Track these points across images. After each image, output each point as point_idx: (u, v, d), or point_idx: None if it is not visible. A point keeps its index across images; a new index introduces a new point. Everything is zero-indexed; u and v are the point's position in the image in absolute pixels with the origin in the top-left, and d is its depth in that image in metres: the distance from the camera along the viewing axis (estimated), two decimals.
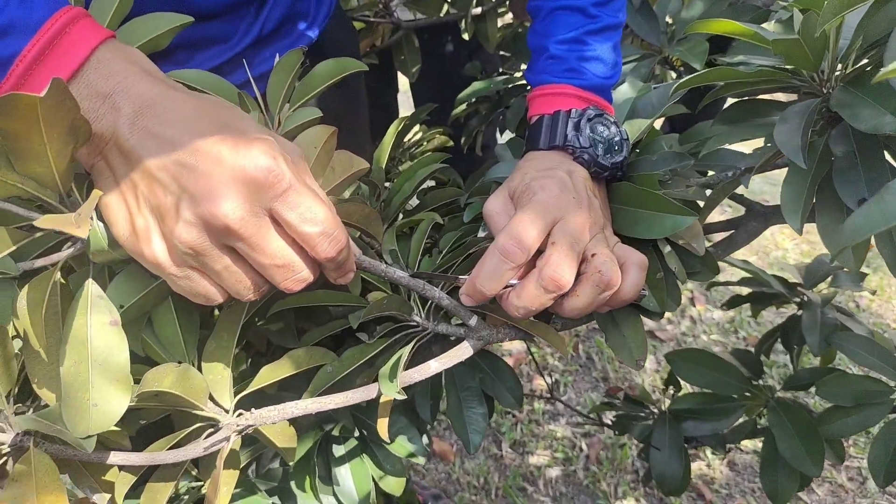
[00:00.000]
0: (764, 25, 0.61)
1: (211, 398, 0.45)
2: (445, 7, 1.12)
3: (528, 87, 0.67)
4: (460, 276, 0.50)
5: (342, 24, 0.86)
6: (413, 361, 0.51)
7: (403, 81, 1.41)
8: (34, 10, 0.38)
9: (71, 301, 0.41)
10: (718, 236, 0.71)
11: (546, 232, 0.48)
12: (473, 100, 1.11)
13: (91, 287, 0.40)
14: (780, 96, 0.65)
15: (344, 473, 0.63)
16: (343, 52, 0.84)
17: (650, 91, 0.65)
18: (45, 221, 0.34)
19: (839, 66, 0.52)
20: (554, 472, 1.55)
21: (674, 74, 0.97)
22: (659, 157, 0.61)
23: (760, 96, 0.61)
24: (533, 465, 1.56)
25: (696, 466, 1.54)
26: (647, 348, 0.55)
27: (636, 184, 0.58)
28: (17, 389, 0.45)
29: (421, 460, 0.63)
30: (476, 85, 1.06)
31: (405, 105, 1.61)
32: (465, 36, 1.15)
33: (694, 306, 2.07)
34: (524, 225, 0.47)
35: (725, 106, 0.62)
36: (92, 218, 0.40)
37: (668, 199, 0.53)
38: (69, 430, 0.39)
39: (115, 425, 0.43)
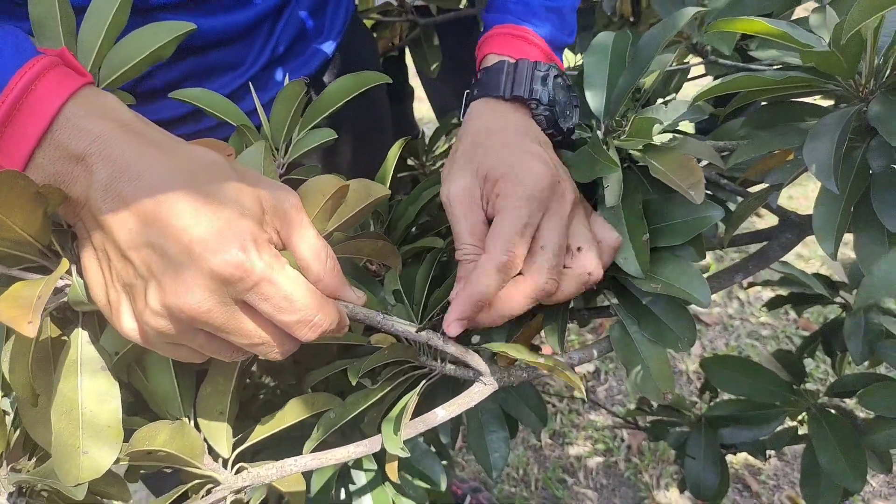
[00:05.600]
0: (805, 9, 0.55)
1: (209, 448, 0.45)
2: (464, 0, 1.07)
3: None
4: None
5: (359, 33, 0.83)
6: (423, 401, 0.49)
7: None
8: (2, 67, 0.36)
9: (62, 348, 0.40)
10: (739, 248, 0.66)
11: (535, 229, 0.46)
12: None
13: (81, 335, 0.40)
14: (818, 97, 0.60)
15: (366, 502, 0.62)
16: (362, 62, 0.81)
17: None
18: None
19: (879, 70, 0.47)
20: (594, 463, 1.53)
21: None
22: (671, 106, 0.56)
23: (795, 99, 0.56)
24: (573, 456, 1.54)
25: (742, 456, 1.49)
26: (674, 381, 0.52)
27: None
28: (21, 441, 0.45)
29: (442, 486, 0.62)
30: None
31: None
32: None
33: (742, 287, 1.99)
34: (519, 233, 0.45)
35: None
36: (71, 273, 0.40)
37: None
38: (60, 479, 0.38)
39: (115, 479, 0.43)
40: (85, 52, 0.43)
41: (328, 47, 0.72)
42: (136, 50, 0.44)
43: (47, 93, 0.36)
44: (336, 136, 0.52)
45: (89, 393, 0.39)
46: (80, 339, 0.40)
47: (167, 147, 0.38)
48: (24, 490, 0.44)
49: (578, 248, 0.47)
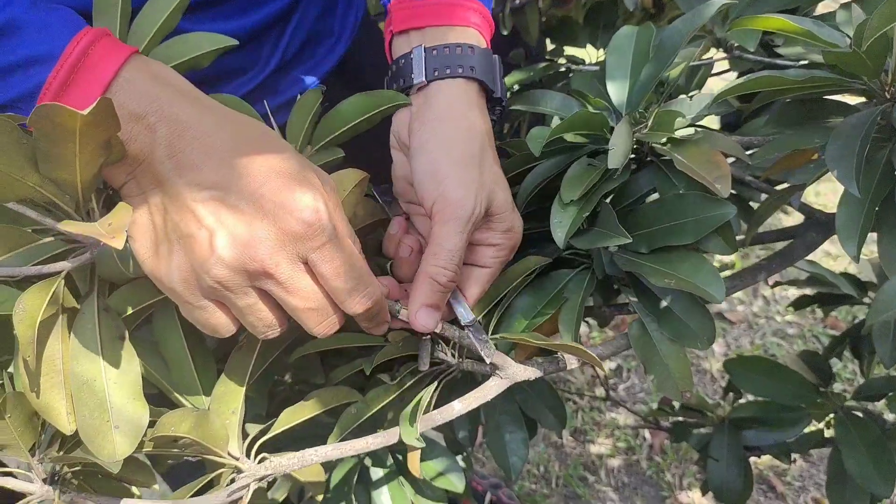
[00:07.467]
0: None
1: None
2: None
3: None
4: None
5: (371, 36, 0.82)
6: (443, 396, 0.50)
7: None
8: (55, 37, 0.38)
9: (74, 316, 0.40)
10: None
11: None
12: (516, 88, 1.06)
13: (96, 302, 0.40)
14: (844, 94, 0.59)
15: (384, 500, 0.63)
16: (372, 66, 0.80)
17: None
18: (71, 225, 0.33)
19: None
20: (616, 461, 1.52)
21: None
22: (695, 100, 0.55)
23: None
24: (594, 454, 1.54)
25: (767, 457, 1.47)
26: (693, 379, 0.51)
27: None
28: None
29: (459, 488, 0.62)
30: (515, 74, 1.01)
31: None
32: (504, 31, 1.10)
33: (767, 284, 1.96)
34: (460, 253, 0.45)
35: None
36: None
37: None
38: (94, 454, 0.38)
39: (141, 465, 0.44)
40: (133, 44, 0.43)
41: (338, 51, 0.72)
42: (179, 53, 0.45)
43: (104, 57, 0.38)
44: (343, 155, 0.52)
45: (110, 363, 0.39)
46: (96, 305, 0.40)
47: (223, 112, 0.40)
48: (56, 478, 0.44)
49: None
